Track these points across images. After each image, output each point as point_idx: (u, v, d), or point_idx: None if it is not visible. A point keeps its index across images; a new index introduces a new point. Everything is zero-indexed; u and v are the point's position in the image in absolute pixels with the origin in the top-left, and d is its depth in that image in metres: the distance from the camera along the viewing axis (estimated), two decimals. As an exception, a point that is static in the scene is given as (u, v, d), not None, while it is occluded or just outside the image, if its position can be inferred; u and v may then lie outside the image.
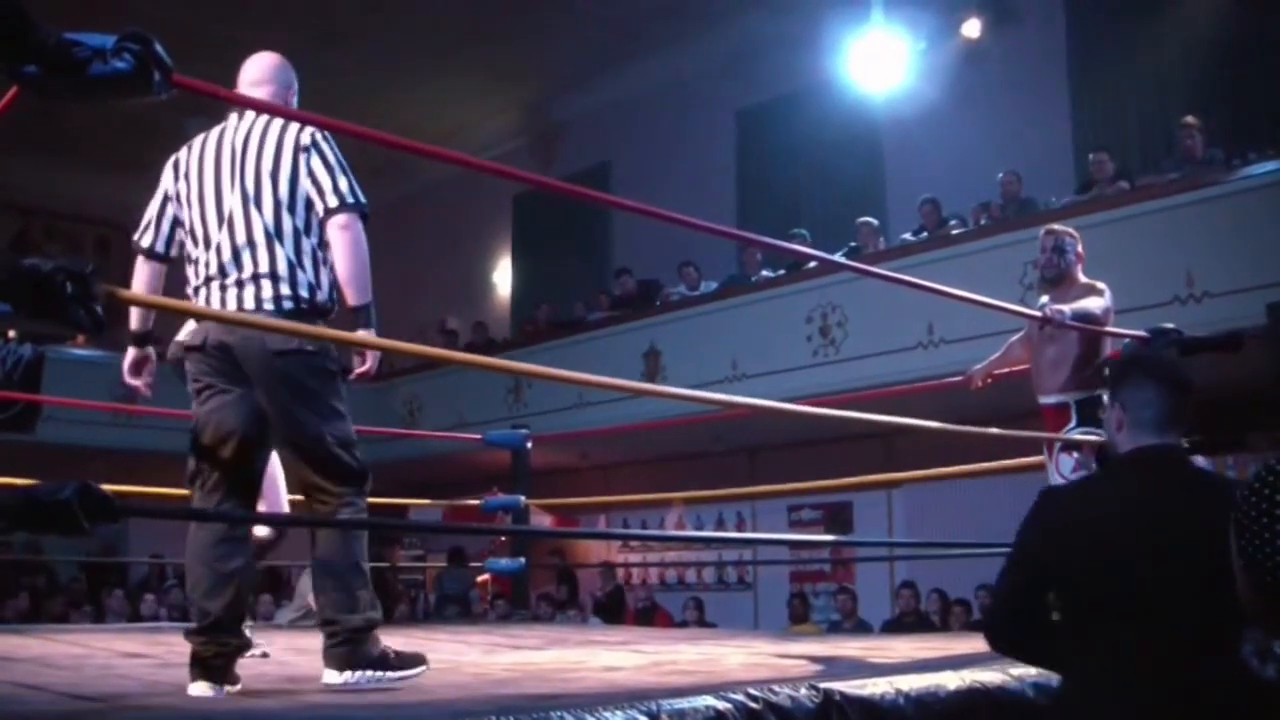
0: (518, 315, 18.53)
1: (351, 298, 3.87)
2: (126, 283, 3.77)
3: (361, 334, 3.86)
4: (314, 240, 3.88)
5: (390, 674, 3.77)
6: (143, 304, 3.56)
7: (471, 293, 19.77)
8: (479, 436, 9.14)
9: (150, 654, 5.83)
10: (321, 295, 3.87)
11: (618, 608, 14.48)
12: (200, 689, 3.64)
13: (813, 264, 11.60)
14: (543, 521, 13.28)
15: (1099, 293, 5.81)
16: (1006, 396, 6.39)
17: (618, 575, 15.37)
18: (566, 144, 18.34)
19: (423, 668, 3.88)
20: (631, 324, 14.14)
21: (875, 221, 12.94)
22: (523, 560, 9.01)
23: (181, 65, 2.78)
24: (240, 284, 3.82)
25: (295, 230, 3.84)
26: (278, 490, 5.27)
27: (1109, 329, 5.85)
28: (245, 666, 3.97)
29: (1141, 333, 6.12)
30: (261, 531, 6.37)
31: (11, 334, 6.57)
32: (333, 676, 3.75)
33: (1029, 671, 3.76)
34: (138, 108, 2.89)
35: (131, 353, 4.11)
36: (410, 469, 16.28)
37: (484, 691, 3.72)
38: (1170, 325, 6.30)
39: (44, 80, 2.56)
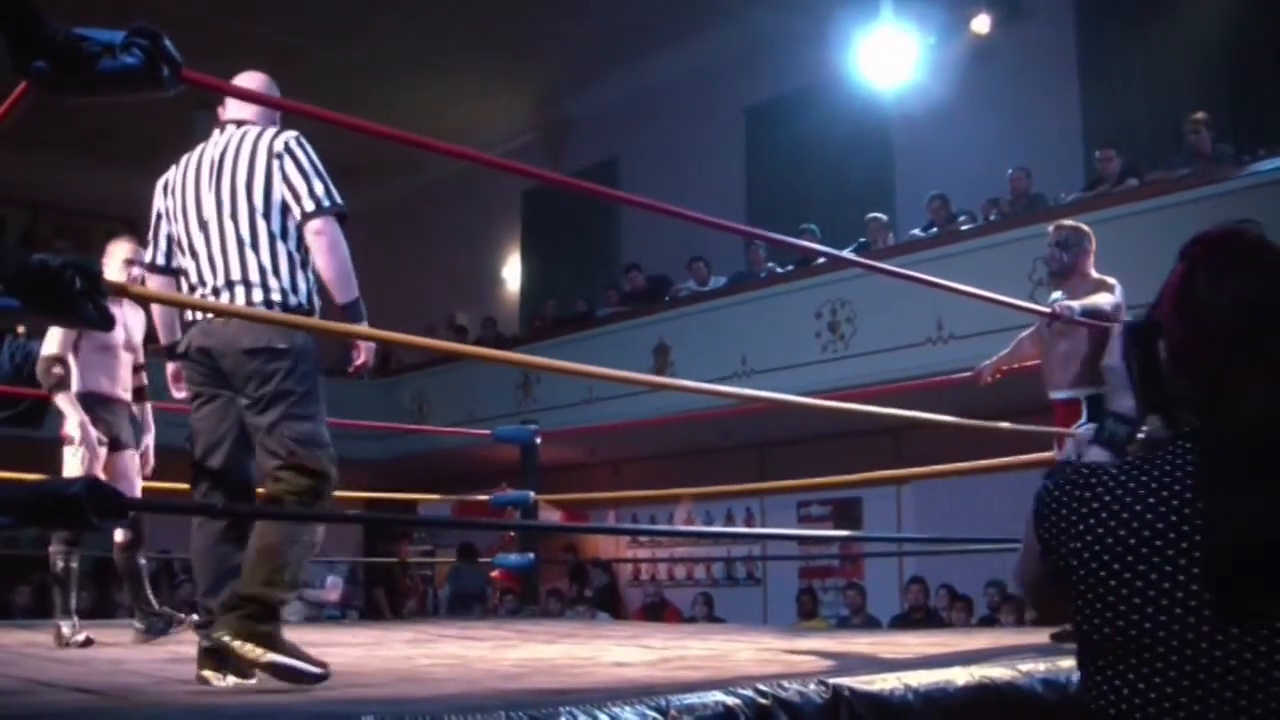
0: (527, 311, 18.52)
1: (337, 296, 3.95)
2: (135, 278, 3.76)
3: (354, 327, 3.92)
4: (292, 245, 3.94)
5: (280, 658, 3.66)
6: (148, 299, 3.55)
7: (480, 288, 19.77)
8: (488, 432, 9.16)
9: (159, 649, 5.84)
10: (296, 299, 3.91)
11: (610, 603, 14.58)
12: (208, 675, 3.73)
13: (822, 260, 11.58)
14: (552, 517, 13.31)
15: (1110, 288, 5.80)
16: (1016, 392, 6.38)
17: (614, 570, 15.46)
18: (576, 140, 18.34)
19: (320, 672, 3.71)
20: (641, 320, 14.14)
21: (884, 217, 12.92)
22: (532, 556, 9.02)
23: (190, 60, 2.78)
24: (216, 291, 3.91)
25: (271, 236, 3.90)
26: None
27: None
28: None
29: (1151, 329, 6.11)
30: (120, 536, 6.41)
31: (20, 329, 6.57)
32: (216, 679, 3.75)
33: (1038, 667, 3.76)
34: (147, 103, 2.89)
35: (170, 366, 4.31)
36: (419, 464, 16.30)
37: (493, 686, 3.71)
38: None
39: (53, 76, 2.57)
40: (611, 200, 17.24)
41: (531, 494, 8.64)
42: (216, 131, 4.12)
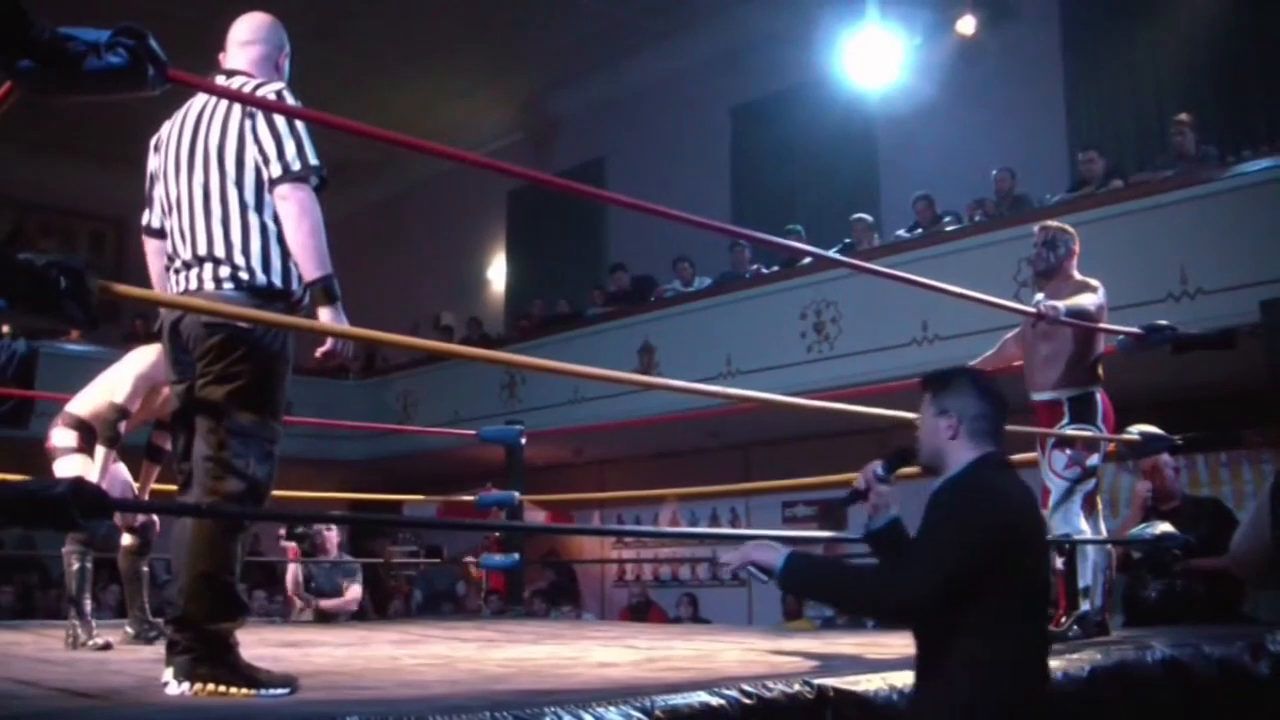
0: (512, 311, 18.50)
1: (305, 270, 3.62)
2: (121, 278, 3.74)
3: (323, 315, 3.60)
4: (267, 215, 3.66)
5: (240, 689, 3.45)
6: (137, 299, 3.54)
7: (466, 288, 19.75)
8: (473, 432, 9.15)
9: (145, 650, 5.83)
10: (266, 278, 3.64)
11: (563, 596, 14.71)
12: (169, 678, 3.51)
13: (807, 260, 11.59)
14: (537, 517, 13.31)
15: (1093, 290, 5.81)
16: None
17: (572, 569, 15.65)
18: (561, 140, 18.33)
19: (288, 689, 3.51)
20: (626, 320, 14.12)
21: (870, 218, 12.93)
22: (517, 556, 9.01)
23: (176, 60, 2.78)
24: (187, 265, 3.69)
25: (242, 205, 3.63)
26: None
27: (1103, 326, 5.86)
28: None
29: (1136, 330, 6.13)
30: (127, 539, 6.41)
31: (5, 329, 6.56)
32: (171, 688, 3.47)
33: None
34: (133, 102, 2.88)
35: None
36: (404, 465, 16.29)
37: (478, 687, 3.71)
38: (1165, 322, 6.33)
39: (39, 75, 2.57)
40: (597, 200, 17.22)
41: (517, 494, 8.64)
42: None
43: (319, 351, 3.71)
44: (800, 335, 12.13)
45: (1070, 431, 5.67)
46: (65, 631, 5.94)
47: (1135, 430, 6.16)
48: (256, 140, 3.62)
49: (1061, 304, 5.56)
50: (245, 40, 3.97)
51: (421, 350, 13.82)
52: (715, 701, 3.12)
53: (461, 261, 19.86)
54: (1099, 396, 5.81)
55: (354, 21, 15.08)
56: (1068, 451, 5.70)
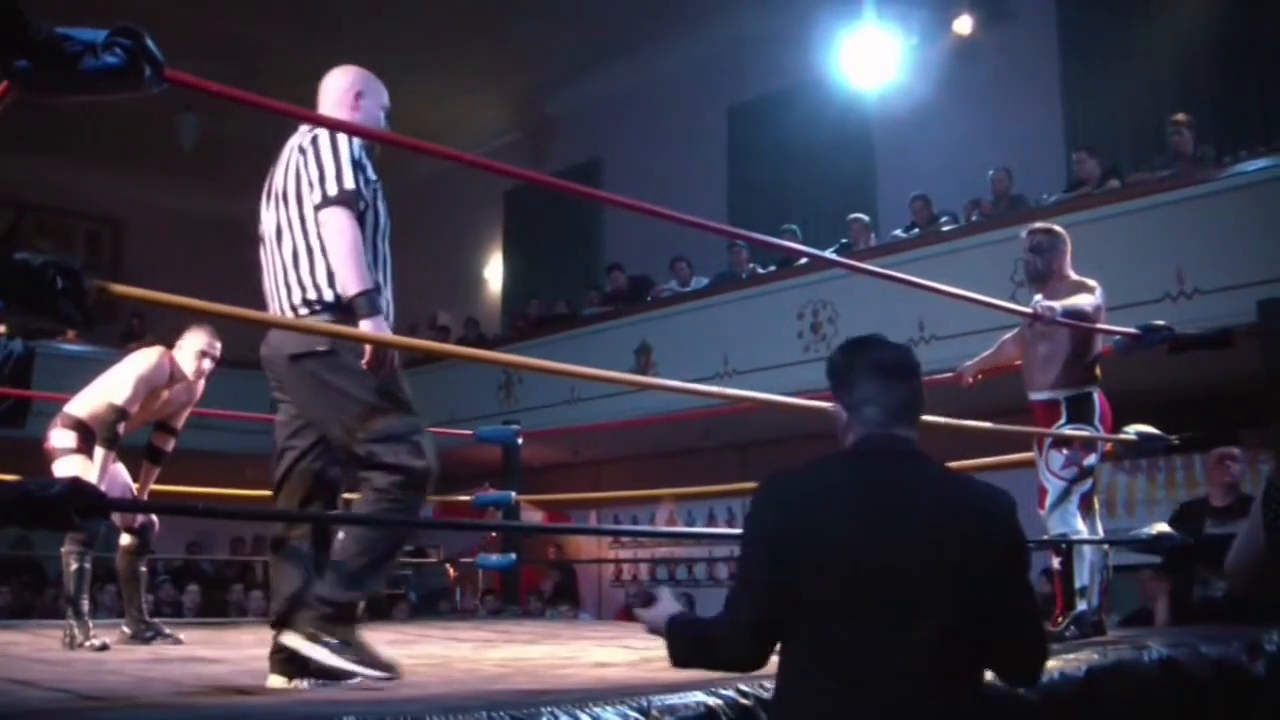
0: (509, 311, 18.50)
1: (345, 286, 3.83)
2: (118, 278, 3.75)
3: (364, 327, 3.80)
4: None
5: (348, 664, 3.72)
6: (138, 299, 3.53)
7: (463, 289, 19.74)
8: (470, 432, 9.15)
9: (141, 650, 5.83)
10: (333, 293, 3.88)
11: (563, 596, 14.72)
12: (275, 682, 3.78)
13: (804, 260, 11.59)
14: (534, 517, 13.30)
15: (1090, 290, 5.81)
16: (997, 392, 6.39)
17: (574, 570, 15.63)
18: (558, 140, 18.32)
19: (389, 676, 3.79)
20: (623, 320, 14.13)
21: (866, 218, 12.93)
22: (513, 556, 9.01)
23: (172, 60, 2.77)
24: (272, 295, 4.00)
25: (305, 234, 3.91)
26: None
27: (1100, 326, 5.86)
28: (230, 663, 3.97)
29: (1132, 330, 6.13)
30: (126, 540, 6.42)
31: (2, 328, 6.56)
32: (289, 638, 3.77)
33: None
34: (130, 103, 2.88)
35: None
36: (401, 465, 16.24)
37: (475, 687, 3.71)
38: (1161, 322, 6.33)
39: (35, 75, 2.56)
40: (594, 200, 17.22)
41: (513, 494, 8.65)
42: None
43: (363, 362, 3.87)
44: (797, 335, 12.13)
45: (1068, 431, 5.67)
46: (62, 631, 5.93)
47: (1132, 430, 6.16)
48: (305, 174, 3.92)
49: (1058, 304, 5.56)
50: (320, 97, 4.29)
51: (418, 350, 13.75)
52: (712, 701, 3.12)
53: (458, 261, 19.85)
54: (1096, 396, 5.80)
55: (349, 21, 15.05)
56: (1065, 451, 5.70)
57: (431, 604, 14.73)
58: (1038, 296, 5.83)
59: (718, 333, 12.77)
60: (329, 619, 3.73)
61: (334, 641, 3.71)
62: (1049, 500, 5.68)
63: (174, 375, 6.19)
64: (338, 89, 4.25)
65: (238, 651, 5.58)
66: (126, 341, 12.57)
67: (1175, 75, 12.07)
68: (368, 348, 3.85)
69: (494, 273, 19.75)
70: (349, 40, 15.34)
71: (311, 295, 3.89)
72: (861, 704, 2.36)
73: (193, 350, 6.21)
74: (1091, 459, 5.75)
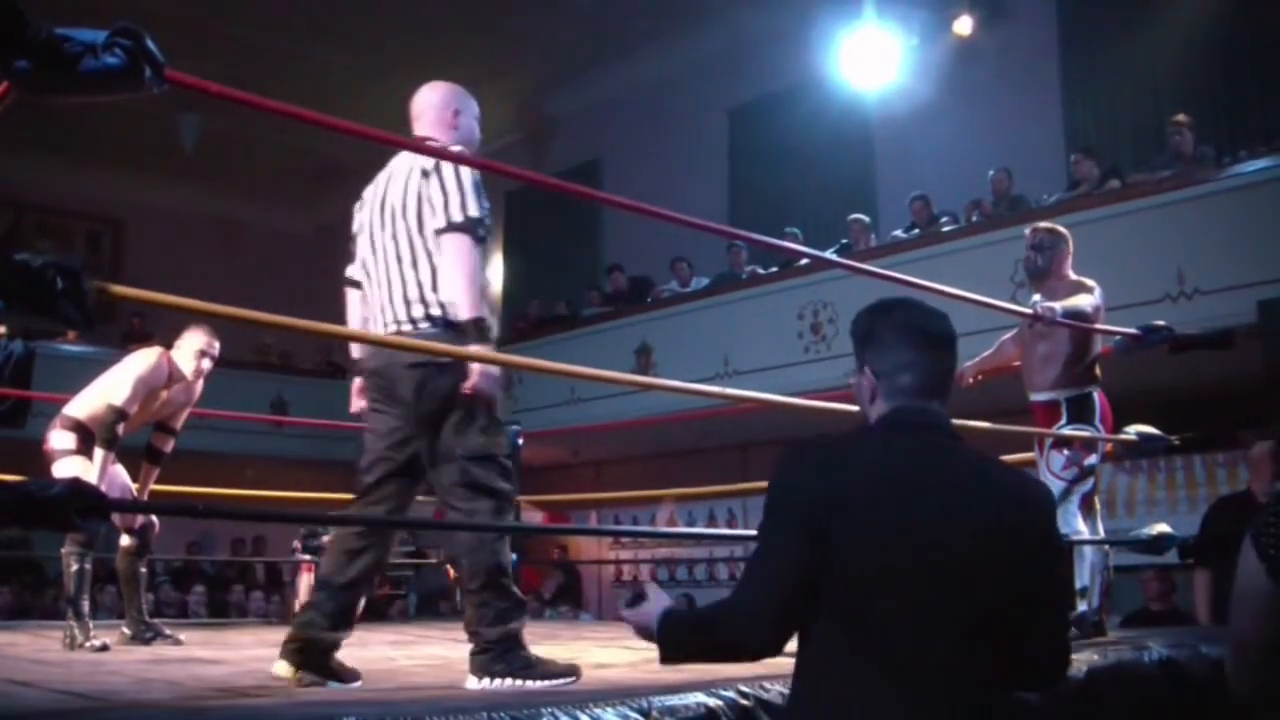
0: (509, 311, 18.48)
1: (460, 311, 3.94)
2: (118, 278, 3.75)
3: (473, 349, 3.88)
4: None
5: (532, 683, 3.77)
6: (138, 300, 3.52)
7: (463, 289, 19.71)
8: (471, 433, 9.13)
9: (141, 651, 5.83)
10: (447, 313, 3.99)
11: (566, 597, 14.76)
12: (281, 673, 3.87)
13: (804, 261, 11.58)
14: (534, 518, 13.30)
15: (1089, 290, 5.80)
16: (997, 393, 6.39)
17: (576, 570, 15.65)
18: (558, 140, 18.31)
19: (570, 678, 3.86)
20: (623, 320, 14.13)
21: (866, 219, 12.93)
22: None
23: (173, 60, 2.77)
24: (382, 308, 4.12)
25: (427, 253, 4.02)
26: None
27: (1100, 326, 5.85)
28: (230, 664, 3.97)
29: (1133, 330, 6.13)
30: (125, 541, 6.43)
31: (2, 329, 6.56)
32: (471, 682, 3.82)
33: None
34: (130, 103, 2.88)
35: (356, 381, 4.45)
36: (402, 465, 16.23)
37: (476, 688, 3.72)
38: (1162, 323, 6.32)
39: (35, 76, 2.56)
40: (594, 201, 17.22)
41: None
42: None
43: (466, 385, 3.93)
44: (797, 335, 12.13)
45: (1068, 432, 5.67)
46: (62, 632, 5.93)
47: (1133, 430, 6.16)
48: (429, 198, 4.03)
49: (1058, 304, 5.56)
50: (415, 114, 4.50)
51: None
52: (712, 702, 3.12)
53: (459, 262, 19.82)
54: (1097, 397, 5.80)
55: (350, 22, 15.06)
56: (1065, 452, 5.70)
57: (432, 605, 14.70)
58: (1036, 296, 5.83)
59: (718, 333, 12.77)
60: (501, 655, 3.81)
61: (517, 668, 3.80)
62: (1050, 501, 5.67)
63: (173, 376, 6.20)
64: (435, 106, 4.46)
65: (238, 652, 5.58)
66: (127, 342, 12.56)
67: (1175, 75, 12.06)
68: (474, 371, 3.90)
69: (494, 273, 19.74)
70: (349, 41, 15.39)
71: (429, 312, 4.01)
72: (895, 689, 2.18)
73: (192, 350, 6.22)
74: (1092, 459, 5.74)
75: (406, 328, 4.02)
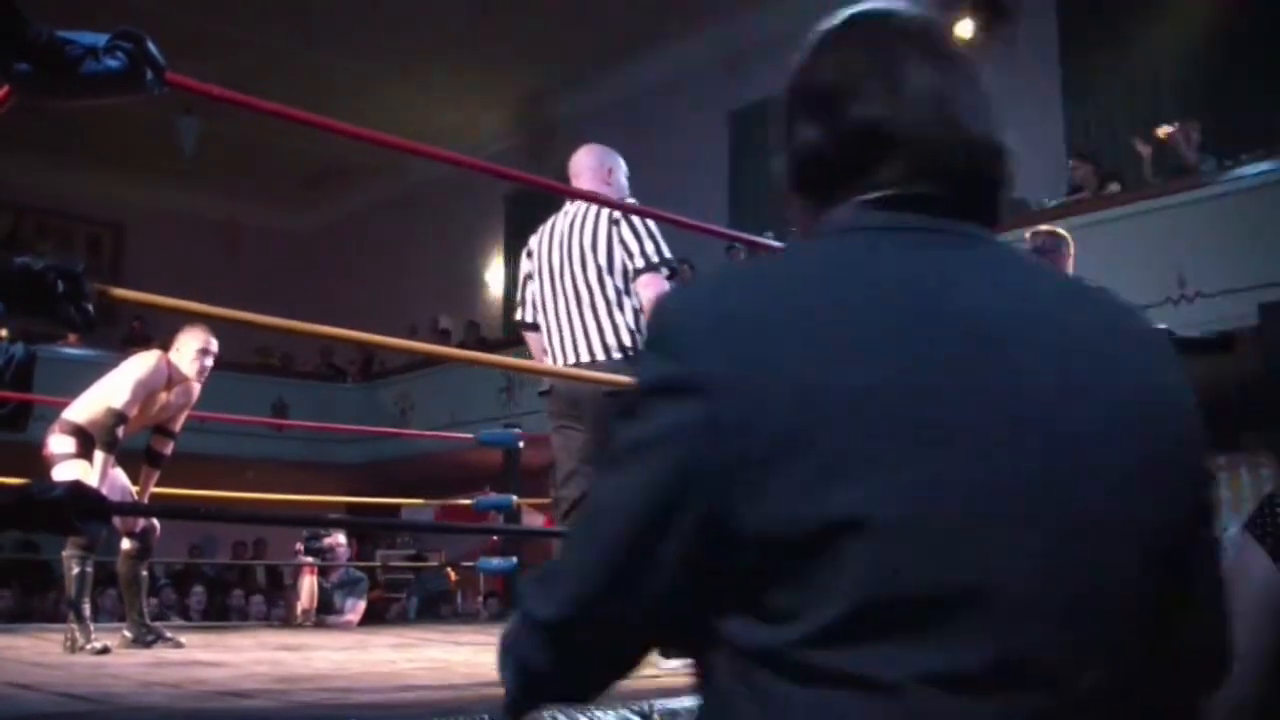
0: (510, 314, 18.49)
1: None
2: (118, 281, 3.75)
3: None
4: (635, 298, 4.66)
5: None
6: (139, 303, 3.53)
7: (464, 291, 19.72)
8: (471, 436, 9.15)
9: (142, 654, 5.83)
10: (644, 338, 4.25)
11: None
12: None
13: (805, 263, 11.56)
14: (535, 521, 13.30)
15: (1090, 292, 5.80)
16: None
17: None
18: (560, 143, 18.29)
19: None
20: (624, 322, 14.11)
21: (867, 220, 12.91)
22: (515, 560, 9.01)
23: (174, 63, 2.77)
24: (575, 340, 4.70)
25: (616, 289, 4.64)
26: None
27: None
28: (232, 667, 3.96)
29: (1133, 333, 6.12)
30: (127, 544, 6.44)
31: (3, 333, 6.55)
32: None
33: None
34: (129, 105, 2.88)
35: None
36: (402, 468, 16.26)
37: (476, 691, 3.71)
38: (1163, 325, 6.31)
39: (36, 79, 2.56)
40: (595, 204, 17.21)
41: (514, 498, 8.64)
42: (568, 203, 5.02)
43: None
44: (798, 338, 12.11)
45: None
46: (63, 635, 5.93)
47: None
48: (622, 241, 4.67)
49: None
50: (574, 173, 5.12)
51: (419, 353, 13.81)
52: (713, 705, 3.11)
53: (459, 264, 19.84)
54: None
55: (352, 26, 15.06)
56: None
57: (433, 607, 14.73)
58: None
59: (719, 335, 12.75)
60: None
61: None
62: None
63: (172, 378, 6.20)
64: (591, 167, 5.05)
65: (239, 655, 5.58)
66: (127, 345, 12.56)
67: (1176, 79, 12.06)
68: None
69: (495, 276, 19.73)
70: (351, 45, 15.40)
71: (625, 342, 4.59)
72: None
73: (191, 350, 6.21)
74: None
75: (600, 357, 4.58)
